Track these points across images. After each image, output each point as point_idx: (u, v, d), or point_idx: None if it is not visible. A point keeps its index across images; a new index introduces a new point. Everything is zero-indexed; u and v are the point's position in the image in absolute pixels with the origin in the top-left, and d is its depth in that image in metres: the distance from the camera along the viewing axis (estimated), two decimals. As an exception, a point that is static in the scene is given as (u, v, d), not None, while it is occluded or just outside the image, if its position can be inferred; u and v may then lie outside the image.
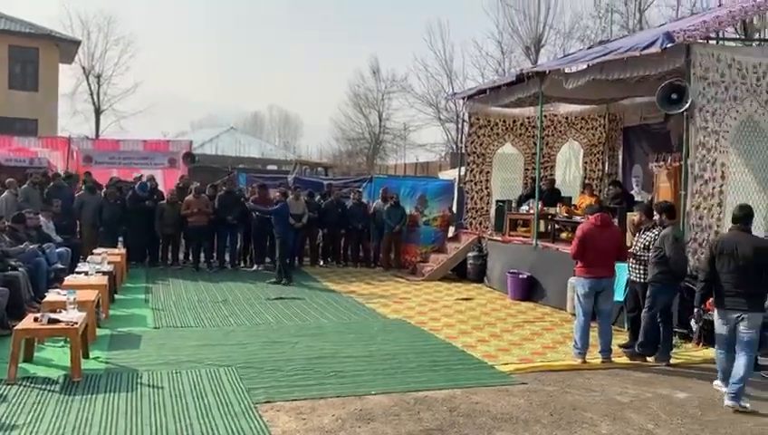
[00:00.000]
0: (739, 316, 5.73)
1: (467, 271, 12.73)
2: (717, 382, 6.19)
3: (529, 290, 10.82)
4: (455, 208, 14.81)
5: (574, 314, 8.00)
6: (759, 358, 6.99)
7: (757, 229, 7.99)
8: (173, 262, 13.30)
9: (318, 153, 45.73)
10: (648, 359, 7.17)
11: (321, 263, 14.33)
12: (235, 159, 31.52)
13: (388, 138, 41.64)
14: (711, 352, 7.06)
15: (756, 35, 15.16)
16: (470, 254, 12.71)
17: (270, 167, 34.07)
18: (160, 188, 14.04)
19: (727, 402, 5.68)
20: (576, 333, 7.19)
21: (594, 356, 7.14)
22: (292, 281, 11.77)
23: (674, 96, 8.01)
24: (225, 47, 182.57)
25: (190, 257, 13.29)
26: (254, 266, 13.29)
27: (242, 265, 13.67)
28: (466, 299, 10.80)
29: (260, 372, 6.19)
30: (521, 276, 10.92)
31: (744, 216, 5.99)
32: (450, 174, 18.55)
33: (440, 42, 31.84)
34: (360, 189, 15.08)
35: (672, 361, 7.14)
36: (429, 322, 8.89)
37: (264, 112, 72.18)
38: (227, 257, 13.44)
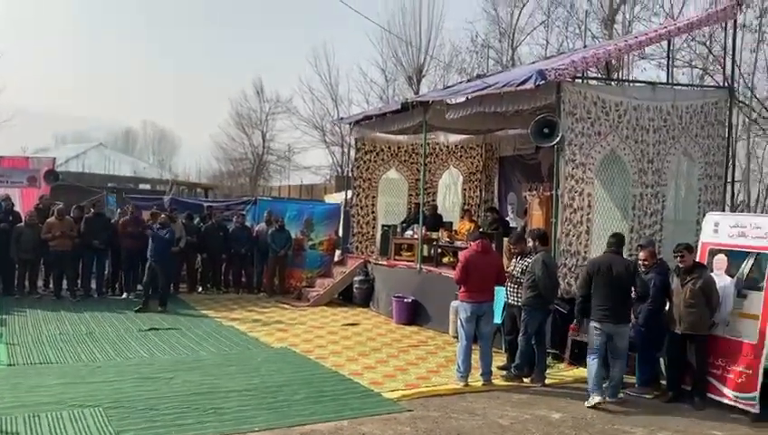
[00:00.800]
0: (613, 329, 6.72)
1: (354, 295, 12.72)
2: (590, 392, 6.73)
3: (413, 314, 10.98)
4: (341, 232, 14.79)
5: (456, 337, 8.21)
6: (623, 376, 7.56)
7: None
8: (31, 290, 12.11)
9: (197, 173, 44.03)
10: (525, 380, 7.49)
11: (200, 289, 13.68)
12: (104, 178, 29.51)
13: (273, 159, 41.02)
14: (581, 372, 7.53)
15: (615, 75, 16.72)
16: (356, 278, 12.72)
17: (143, 186, 32.27)
18: (18, 208, 12.78)
19: (608, 398, 6.68)
20: (459, 356, 7.37)
21: (476, 379, 7.34)
22: (165, 307, 11.14)
23: (546, 130, 8.54)
24: (96, 59, 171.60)
25: (51, 285, 12.18)
26: (124, 295, 12.43)
27: (110, 293, 12.72)
28: (353, 324, 10.75)
29: (131, 413, 5.71)
30: (405, 300, 11.07)
31: (616, 242, 7.13)
32: (336, 197, 18.58)
33: (326, 66, 31.94)
34: (244, 212, 14.65)
35: (547, 381, 7.50)
36: (315, 349, 8.72)
37: (138, 128, 68.59)
38: (93, 285, 12.45)
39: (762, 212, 15.77)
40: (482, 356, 7.41)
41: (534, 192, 10.29)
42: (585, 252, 8.74)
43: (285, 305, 12.41)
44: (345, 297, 12.98)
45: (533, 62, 15.80)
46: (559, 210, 8.66)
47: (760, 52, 15.43)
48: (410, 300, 11.06)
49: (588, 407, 6.53)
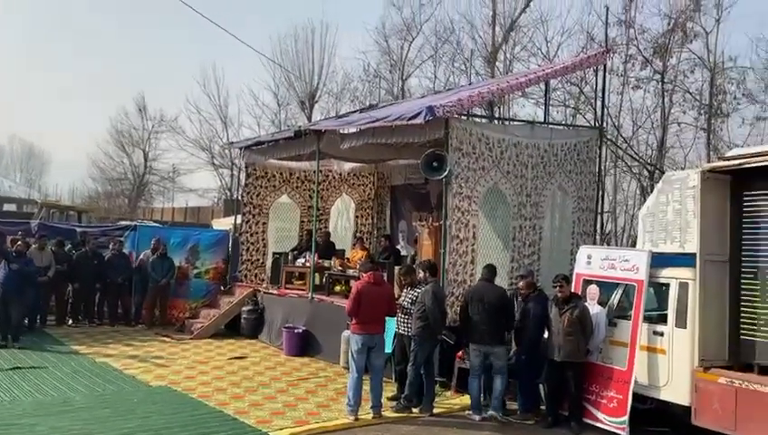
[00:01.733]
0: (489, 349, 7.41)
1: (241, 327, 12.25)
2: (469, 412, 7.31)
3: (305, 345, 10.76)
4: (229, 260, 14.25)
5: (348, 368, 8.14)
6: (506, 401, 7.84)
7: (502, 280, 9.07)
8: None
9: (70, 193, 40.98)
10: (414, 410, 7.55)
11: (71, 322, 12.62)
12: (-40, 197, 26.65)
13: (155, 179, 39.18)
14: (468, 399, 7.71)
15: (498, 110, 17.66)
16: (244, 308, 12.29)
17: (7, 207, 29.52)
18: None
19: (491, 413, 7.35)
20: (350, 390, 7.30)
21: (366, 411, 7.29)
22: (17, 343, 10.22)
23: (435, 164, 8.81)
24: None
25: None
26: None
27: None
28: (240, 358, 10.35)
29: (-16, 470, 5.10)
30: (296, 331, 10.84)
31: (488, 272, 7.88)
32: (225, 222, 18.00)
33: (215, 86, 31.16)
34: (122, 238, 13.76)
35: (435, 410, 7.61)
36: (199, 387, 8.29)
37: (4, 144, 62.97)
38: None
39: (627, 239, 17.19)
40: (372, 388, 7.39)
41: (424, 222, 10.51)
42: (471, 281, 9.01)
43: (166, 338, 11.73)
44: (232, 329, 12.47)
45: (423, 96, 16.33)
46: (447, 241, 8.91)
47: (625, 94, 16.98)
48: (301, 330, 10.85)
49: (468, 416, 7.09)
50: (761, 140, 15.68)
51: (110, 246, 13.17)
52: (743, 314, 6.25)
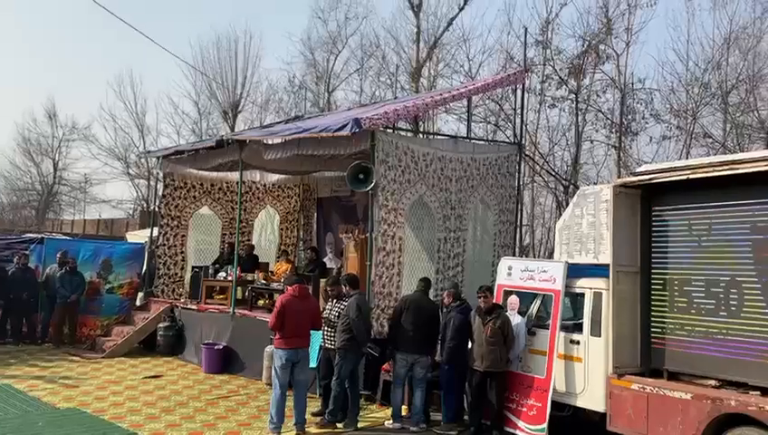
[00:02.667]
0: (416, 359, 7.55)
1: (158, 344, 11.70)
2: (389, 422, 7.43)
3: (225, 361, 10.42)
4: (145, 274, 13.63)
5: (270, 384, 7.93)
6: (430, 412, 7.89)
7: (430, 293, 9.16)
8: None
9: (-31, 204, 38.19)
10: (339, 425, 7.45)
11: (-32, 342, 11.67)
12: None
13: (65, 190, 37.11)
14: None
15: (422, 125, 17.95)
16: (161, 325, 11.76)
17: None
18: None
19: (412, 428, 7.44)
20: (272, 407, 7.12)
21: (290, 428, 7.13)
22: None
23: (361, 176, 8.81)
24: None
25: None
26: None
27: None
28: (156, 377, 9.87)
29: None
30: (216, 347, 10.48)
31: (424, 284, 8.16)
32: (140, 235, 17.21)
33: (131, 93, 29.97)
34: (27, 252, 12.89)
35: (360, 424, 7.54)
36: (110, 408, 7.84)
37: None
38: None
39: (544, 250, 17.84)
40: (296, 404, 7.24)
41: (350, 235, 10.48)
42: (397, 293, 9.06)
43: (76, 358, 11.03)
44: (148, 347, 11.91)
45: (350, 108, 16.37)
46: (373, 253, 8.91)
47: (542, 112, 17.69)
48: (222, 347, 10.50)
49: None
50: (667, 157, 16.74)
51: (15, 260, 12.31)
52: (653, 323, 6.58)
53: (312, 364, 8.13)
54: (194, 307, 11.72)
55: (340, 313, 7.62)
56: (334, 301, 7.84)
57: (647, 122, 16.81)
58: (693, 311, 6.21)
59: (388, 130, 9.58)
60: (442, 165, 9.92)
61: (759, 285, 5.70)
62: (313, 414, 7.67)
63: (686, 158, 16.01)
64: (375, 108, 11.11)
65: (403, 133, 10.55)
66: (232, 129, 23.81)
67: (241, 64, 25.58)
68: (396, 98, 15.93)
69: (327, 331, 7.71)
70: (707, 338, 6.03)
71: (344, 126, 8.39)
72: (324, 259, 12.60)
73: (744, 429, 5.45)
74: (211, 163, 11.92)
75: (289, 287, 7.45)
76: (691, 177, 6.19)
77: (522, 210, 14.63)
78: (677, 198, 6.47)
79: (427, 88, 19.53)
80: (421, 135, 13.78)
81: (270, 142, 10.31)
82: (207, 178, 13.67)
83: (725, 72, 16.48)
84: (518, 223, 11.85)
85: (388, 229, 9.16)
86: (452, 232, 10.20)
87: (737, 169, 5.86)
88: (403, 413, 7.77)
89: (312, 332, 7.59)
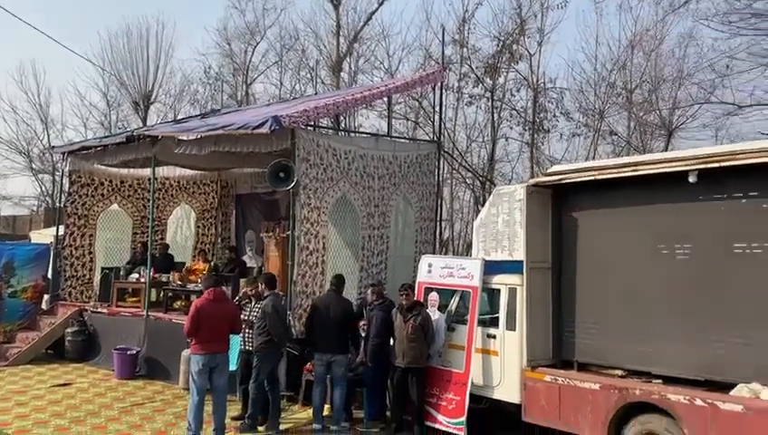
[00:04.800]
0: (332, 358, 7.49)
1: (66, 350, 11.09)
2: (316, 426, 7.39)
3: (139, 367, 10.01)
4: (50, 277, 12.83)
5: (188, 389, 7.70)
6: (353, 410, 7.93)
7: (352, 290, 9.18)
8: None
9: None
10: (260, 428, 7.34)
11: None
12: None
13: (-41, 186, 34.29)
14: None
15: (343, 121, 17.90)
16: (69, 329, 11.14)
17: None
18: None
19: (332, 427, 7.42)
20: (190, 413, 6.90)
21: (209, 434, 6.95)
22: None
23: (281, 174, 8.67)
24: None
25: None
26: None
27: None
28: (64, 385, 9.34)
29: None
30: (129, 352, 10.05)
31: (336, 282, 8.02)
32: (46, 233, 16.19)
33: (34, 82, 28.05)
34: None
35: (282, 426, 7.46)
36: (15, 421, 7.38)
37: None
38: None
39: (462, 245, 18.29)
40: (215, 410, 7.04)
41: (271, 233, 10.32)
42: (321, 292, 8.96)
43: (-26, 368, 10.29)
44: (56, 353, 11.26)
45: (269, 103, 16.08)
46: (295, 252, 8.81)
47: (460, 110, 18.08)
48: (135, 351, 10.08)
49: (315, 429, 7.34)
50: (576, 154, 17.57)
51: None
52: (564, 317, 6.89)
53: (232, 368, 7.96)
54: (104, 311, 11.19)
55: (258, 314, 7.49)
56: (254, 302, 7.70)
57: (557, 120, 17.56)
58: (600, 305, 6.55)
59: (309, 128, 9.49)
60: (364, 163, 9.95)
61: (660, 281, 6.08)
62: (233, 419, 7.52)
63: (594, 154, 16.88)
64: (295, 104, 10.96)
65: (324, 131, 10.48)
66: (144, 121, 22.78)
67: (153, 54, 24.45)
68: (316, 93, 15.80)
69: (247, 332, 7.57)
70: (613, 331, 6.38)
71: (263, 123, 8.23)
72: (244, 258, 12.34)
73: (647, 416, 5.80)
74: (121, 159, 11.39)
75: (205, 291, 7.23)
76: (598, 177, 6.51)
77: (441, 206, 14.93)
78: (585, 198, 6.80)
79: (347, 83, 19.48)
80: (342, 133, 13.75)
81: (185, 138, 9.96)
82: (117, 175, 13.06)
83: (630, 73, 17.46)
84: (438, 219, 12.08)
85: (311, 228, 9.09)
86: (376, 229, 10.26)
87: (639, 170, 6.22)
88: (326, 413, 7.76)
89: (232, 335, 7.44)
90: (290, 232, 8.92)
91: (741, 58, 13.85)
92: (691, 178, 5.72)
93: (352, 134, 12.92)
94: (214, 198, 14.08)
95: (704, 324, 5.72)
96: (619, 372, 6.26)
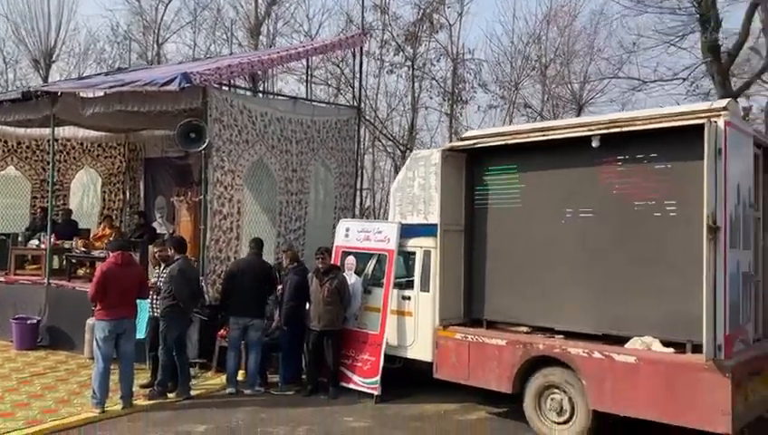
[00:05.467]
0: (249, 322, 7.41)
1: (-44, 321, 10.31)
2: (230, 389, 7.36)
3: (41, 336, 9.47)
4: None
5: (93, 359, 7.37)
6: (267, 374, 7.88)
7: (269, 256, 9.02)
8: None
9: None
10: (170, 395, 7.15)
11: None
12: None
13: None
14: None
15: (261, 86, 17.42)
16: (-40, 300, 10.35)
17: None
18: None
19: (246, 391, 7.37)
20: (95, 381, 6.63)
21: (116, 403, 6.72)
22: None
23: (192, 135, 8.33)
24: None
25: None
26: None
27: None
28: (-47, 358, 8.72)
29: None
30: (29, 322, 9.48)
31: (256, 245, 7.87)
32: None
33: None
34: None
35: (193, 392, 7.31)
36: None
37: None
38: None
39: (384, 213, 18.43)
40: (122, 377, 6.82)
41: (182, 198, 9.95)
42: (236, 258, 8.77)
43: None
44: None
45: (181, 62, 15.36)
46: (208, 217, 8.55)
47: (381, 78, 18.03)
48: (35, 321, 9.52)
49: (228, 393, 7.30)
50: (493, 126, 17.99)
51: None
52: (474, 277, 7.09)
53: (141, 335, 7.69)
54: (1, 279, 10.46)
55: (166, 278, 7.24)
56: (162, 266, 7.43)
57: (475, 92, 17.88)
58: (508, 266, 6.77)
59: (223, 88, 9.14)
60: (281, 126, 9.72)
61: (564, 242, 6.35)
62: (142, 386, 7.30)
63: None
64: (208, 63, 10.52)
65: (240, 92, 10.13)
66: (45, 80, 21.22)
67: (54, 8, 22.72)
68: (232, 54, 15.22)
69: (155, 298, 7.31)
70: (520, 290, 6.63)
71: (172, 80, 7.84)
72: (153, 224, 11.85)
73: (550, 368, 6.10)
74: (17, 117, 10.53)
75: (111, 254, 6.90)
76: (509, 142, 6.67)
77: (362, 174, 14.93)
78: (498, 162, 6.96)
79: (266, 46, 18.92)
80: (260, 95, 13.37)
81: (88, 96, 9.35)
82: (12, 135, 12.14)
83: (545, 47, 17.99)
84: (360, 187, 12.08)
85: (225, 192, 8.83)
86: (294, 195, 10.10)
87: (548, 135, 6.43)
88: (240, 378, 7.66)
89: (139, 301, 7.17)
90: (202, 196, 8.62)
91: (647, 35, 14.56)
92: (594, 143, 5.95)
93: (270, 96, 12.57)
94: (121, 161, 13.38)
95: (603, 283, 6.04)
96: (525, 329, 6.53)
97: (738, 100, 12.26)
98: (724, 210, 5.16)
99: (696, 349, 5.24)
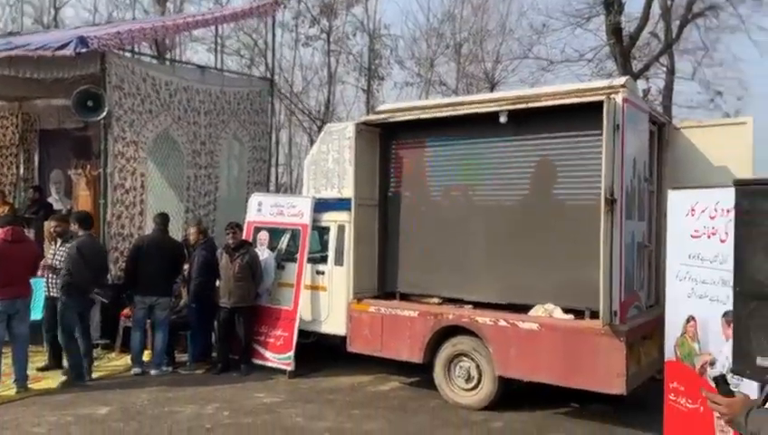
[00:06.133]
0: (155, 300, 7.14)
1: None
2: (136, 369, 7.06)
3: None
4: None
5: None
6: (176, 354, 7.63)
7: (177, 232, 8.70)
8: None
9: None
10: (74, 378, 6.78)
11: None
12: None
13: None
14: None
15: (169, 55, 16.60)
16: None
17: None
18: None
19: (153, 372, 7.07)
20: (-16, 365, 6.18)
21: (9, 386, 6.31)
22: None
23: (90, 103, 7.83)
24: None
25: None
26: None
27: None
28: None
29: None
30: None
31: (161, 221, 7.50)
32: None
33: None
34: None
35: (95, 374, 6.97)
36: None
37: None
38: None
39: (301, 190, 18.21)
40: (15, 360, 6.39)
41: (80, 171, 9.38)
42: (140, 234, 8.39)
43: None
44: None
45: (78, 27, 14.33)
46: (108, 191, 8.11)
47: (297, 51, 17.66)
48: None
49: (133, 374, 7.01)
50: (409, 102, 18.08)
51: None
52: (388, 250, 7.14)
53: (37, 316, 7.23)
54: None
55: (63, 257, 6.81)
56: (59, 243, 6.97)
57: (392, 68, 17.89)
58: (420, 239, 6.86)
59: (125, 54, 8.62)
60: (188, 96, 9.31)
61: (473, 216, 6.49)
62: (39, 369, 6.91)
63: (426, 103, 17.51)
64: (108, 27, 9.88)
65: (143, 59, 9.58)
66: None
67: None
68: (135, 19, 14.38)
69: (51, 278, 6.86)
70: (432, 262, 6.73)
71: (67, 44, 7.31)
72: (50, 199, 11.11)
73: (459, 338, 6.27)
74: None
75: (1, 230, 6.40)
76: (422, 117, 6.71)
77: (278, 149, 14.63)
78: (411, 136, 6.99)
79: (173, 13, 18.02)
80: (167, 62, 12.73)
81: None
82: None
83: (459, 26, 18.21)
84: (275, 161, 11.82)
85: (128, 164, 8.39)
86: (203, 169, 9.74)
87: (459, 110, 6.51)
88: (146, 358, 7.37)
89: (37, 280, 6.72)
90: (102, 169, 8.15)
91: (556, 17, 15.05)
92: (502, 119, 6.08)
93: (176, 64, 11.99)
94: (14, 133, 12.37)
95: (509, 255, 6.23)
96: (436, 300, 6.66)
97: (638, 81, 12.95)
98: (621, 184, 5.42)
99: (594, 315, 5.52)
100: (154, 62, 11.08)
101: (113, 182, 8.13)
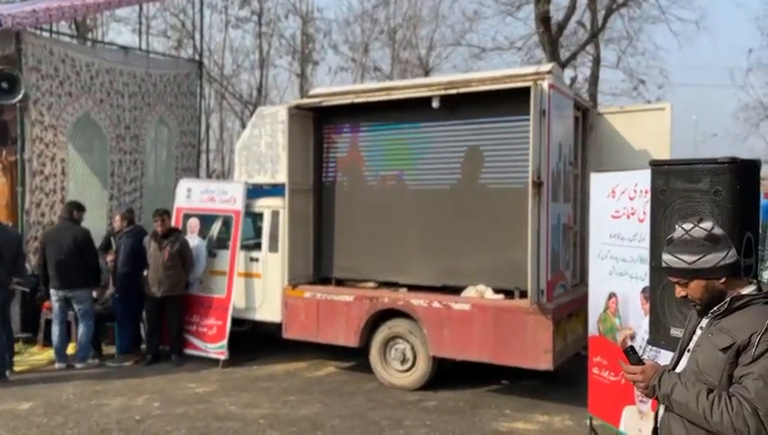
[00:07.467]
0: (69, 293, 6.82)
1: None
2: (59, 364, 6.80)
3: None
4: None
5: None
6: (102, 346, 7.38)
7: (100, 221, 8.36)
8: None
9: None
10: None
11: None
12: None
13: None
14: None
15: (91, 36, 15.80)
16: None
17: None
18: None
19: (77, 365, 6.83)
20: None
21: None
22: None
23: (5, 85, 7.39)
24: None
25: None
26: None
27: None
28: None
29: None
30: None
31: (69, 209, 7.08)
32: None
33: None
34: None
35: (17, 368, 6.66)
36: None
37: None
38: None
39: (232, 177, 17.84)
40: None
41: (-5, 156, 8.82)
42: (59, 223, 8.04)
43: None
44: None
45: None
46: (27, 177, 7.69)
47: (226, 33, 17.19)
48: None
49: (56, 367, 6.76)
50: (343, 88, 17.98)
51: None
52: (322, 236, 7.11)
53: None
54: None
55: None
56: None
57: (326, 53, 17.72)
58: (355, 223, 6.87)
59: (42, 34, 8.16)
60: (111, 78, 8.94)
61: (406, 200, 6.55)
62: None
63: (360, 88, 17.48)
64: (23, 5, 9.31)
65: (63, 39, 9.09)
66: None
67: None
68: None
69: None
70: (367, 247, 6.75)
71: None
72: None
73: (394, 320, 6.34)
74: None
75: None
76: (355, 101, 6.69)
77: (208, 134, 14.24)
78: (344, 121, 6.96)
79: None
80: (89, 43, 12.12)
81: None
82: None
83: (393, 11, 18.21)
84: (205, 147, 11.52)
85: (47, 150, 8.00)
86: (128, 154, 9.39)
87: (392, 94, 6.53)
88: (71, 351, 7.08)
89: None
90: (19, 155, 7.72)
91: (487, 5, 15.29)
92: (434, 104, 6.15)
93: (97, 45, 11.45)
94: None
95: (441, 238, 6.33)
96: (372, 285, 6.70)
97: (566, 69, 13.37)
98: (548, 167, 5.60)
99: (524, 295, 5.70)
100: (74, 42, 10.55)
101: (31, 168, 7.74)
